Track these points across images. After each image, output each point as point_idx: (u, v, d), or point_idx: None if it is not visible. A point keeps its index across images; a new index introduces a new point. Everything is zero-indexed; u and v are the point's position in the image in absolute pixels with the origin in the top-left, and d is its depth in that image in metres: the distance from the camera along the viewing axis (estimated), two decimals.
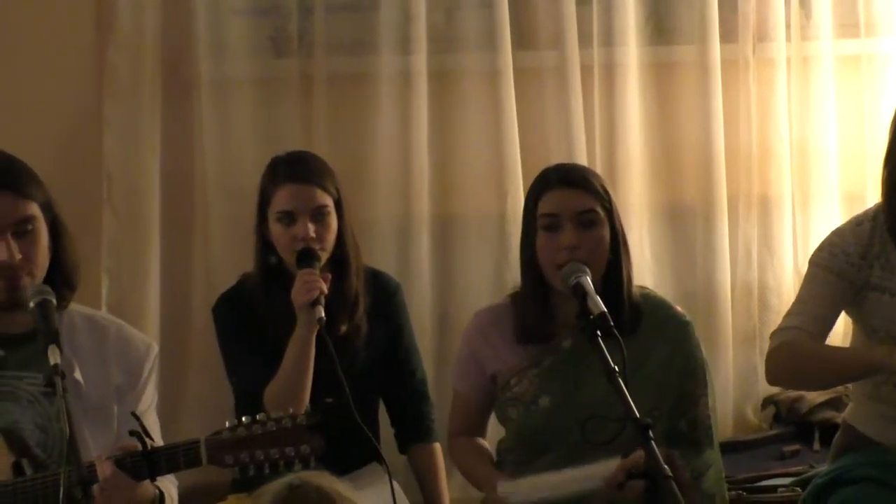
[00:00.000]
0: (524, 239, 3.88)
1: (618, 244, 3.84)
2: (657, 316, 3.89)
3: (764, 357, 5.57)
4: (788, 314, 4.16)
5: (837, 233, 4.16)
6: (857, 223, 4.12)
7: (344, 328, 4.25)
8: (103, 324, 3.72)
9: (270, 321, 4.26)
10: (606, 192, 3.86)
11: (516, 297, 3.95)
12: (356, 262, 4.33)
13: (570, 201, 3.79)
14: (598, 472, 3.54)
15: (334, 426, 3.40)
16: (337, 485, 2.54)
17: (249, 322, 4.33)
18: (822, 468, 4.32)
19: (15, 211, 3.55)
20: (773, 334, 4.16)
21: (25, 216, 3.56)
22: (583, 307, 3.57)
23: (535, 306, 3.86)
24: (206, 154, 5.36)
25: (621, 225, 3.88)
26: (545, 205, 3.81)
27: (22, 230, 3.55)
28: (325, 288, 4.12)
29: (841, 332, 4.39)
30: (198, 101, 5.37)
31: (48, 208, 3.62)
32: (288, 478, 2.71)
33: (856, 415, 4.21)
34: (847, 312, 4.14)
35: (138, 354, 3.69)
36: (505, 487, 3.67)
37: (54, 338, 3.29)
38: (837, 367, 4.08)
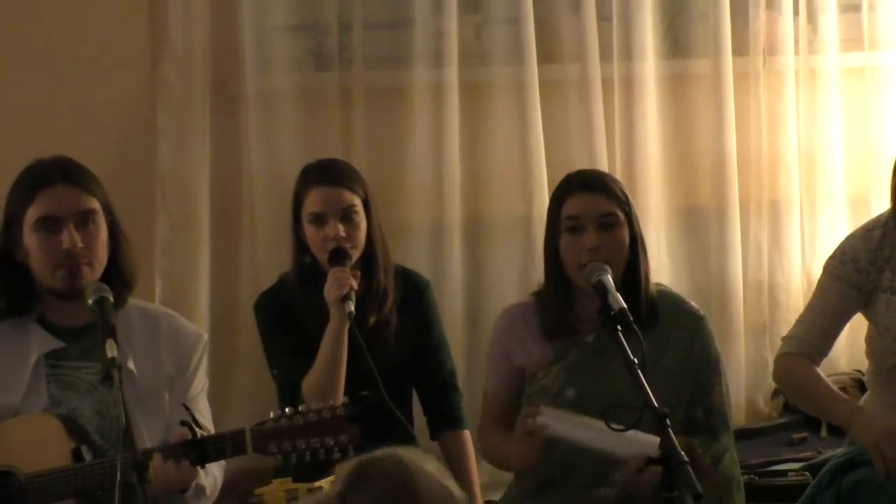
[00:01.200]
0: (547, 240, 3.87)
1: (636, 245, 3.82)
2: (673, 311, 3.88)
3: (774, 350, 5.61)
4: (799, 321, 4.16)
5: (849, 239, 4.14)
6: (868, 229, 4.10)
7: (373, 320, 4.24)
8: (156, 315, 3.72)
9: (306, 316, 4.25)
10: (625, 196, 3.85)
11: (540, 295, 3.94)
12: (384, 258, 4.32)
13: (593, 205, 3.78)
14: (644, 440, 3.47)
15: (371, 415, 3.41)
16: (412, 454, 2.50)
17: (287, 318, 4.32)
18: (830, 453, 4.30)
19: (78, 202, 3.55)
20: (784, 339, 4.17)
21: (87, 209, 3.56)
22: (604, 303, 3.56)
23: (559, 303, 3.85)
24: (252, 161, 5.37)
25: (639, 227, 3.87)
26: (569, 208, 3.80)
27: (83, 222, 3.54)
28: (354, 284, 4.12)
29: (852, 327, 4.36)
30: (244, 112, 5.38)
31: (108, 210, 3.62)
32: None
33: (870, 402, 4.19)
34: (862, 313, 4.12)
35: (188, 344, 3.69)
36: (545, 413, 3.61)
37: (112, 332, 3.29)
38: (818, 409, 4.29)
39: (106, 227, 3.60)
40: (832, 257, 4.12)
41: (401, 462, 2.38)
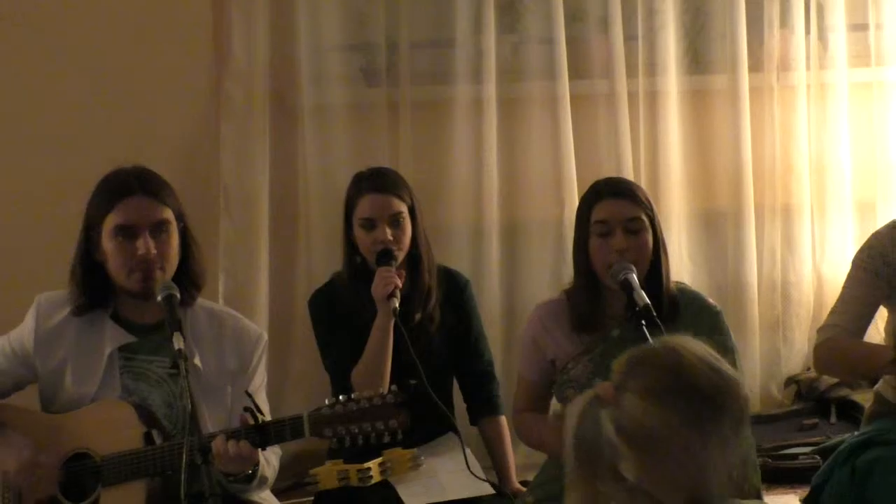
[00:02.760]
0: (577, 242, 3.86)
1: (658, 246, 3.81)
2: (692, 307, 3.86)
3: (787, 344, 5.59)
4: (832, 312, 4.12)
5: (876, 235, 4.11)
6: (893, 226, 4.08)
7: (418, 316, 4.24)
8: (221, 316, 3.71)
9: (356, 312, 4.25)
10: (649, 202, 3.84)
11: (570, 293, 3.93)
12: (429, 260, 4.32)
13: (620, 210, 3.76)
14: None
15: (416, 403, 3.41)
16: (682, 341, 2.48)
17: (338, 313, 4.32)
18: (838, 438, 4.27)
19: (153, 213, 3.54)
20: (819, 330, 4.13)
21: (161, 219, 3.55)
22: (630, 300, 3.57)
23: (588, 301, 3.84)
24: (308, 169, 5.37)
25: (661, 230, 3.86)
26: (598, 213, 3.79)
27: (157, 230, 3.53)
28: (399, 283, 4.12)
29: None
30: (300, 124, 5.38)
31: (181, 218, 3.61)
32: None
33: (886, 386, 4.16)
34: (885, 305, 4.10)
35: (250, 343, 3.68)
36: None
37: (178, 326, 3.29)
38: (869, 364, 4.06)
39: (178, 234, 3.59)
40: (861, 251, 4.09)
41: (672, 349, 2.38)
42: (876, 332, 4.60)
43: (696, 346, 2.38)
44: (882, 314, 4.11)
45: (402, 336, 4.08)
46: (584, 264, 3.83)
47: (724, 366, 2.37)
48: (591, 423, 2.33)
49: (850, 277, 4.10)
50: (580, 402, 2.38)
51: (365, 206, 4.23)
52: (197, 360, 3.55)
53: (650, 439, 2.27)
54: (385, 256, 4.17)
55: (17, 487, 3.45)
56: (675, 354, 2.35)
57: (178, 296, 3.43)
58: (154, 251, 3.50)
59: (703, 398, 2.29)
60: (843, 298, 4.10)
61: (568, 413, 2.39)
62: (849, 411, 5.32)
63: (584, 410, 2.35)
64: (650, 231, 3.78)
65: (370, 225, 4.21)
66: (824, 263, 5.64)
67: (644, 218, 3.77)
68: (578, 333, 3.85)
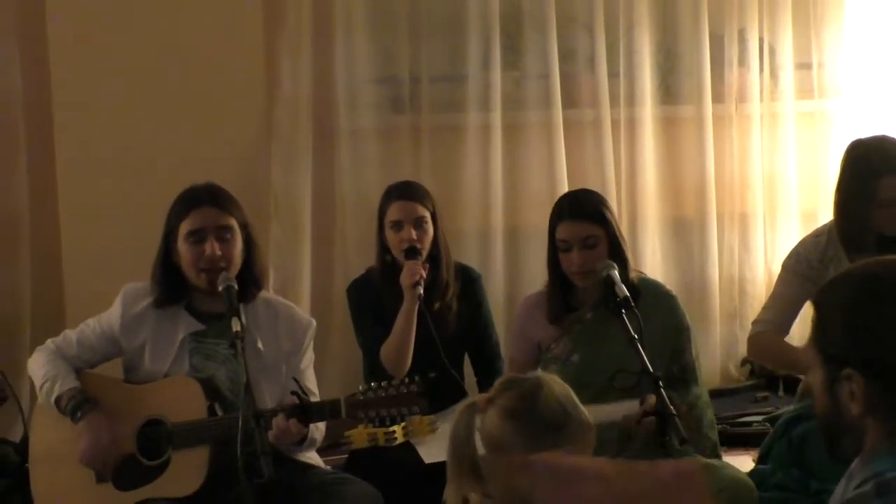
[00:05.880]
0: (549, 251, 3.82)
1: (618, 248, 3.76)
2: (652, 293, 3.81)
3: (743, 330, 5.59)
4: (765, 307, 4.14)
5: (802, 243, 4.11)
6: (816, 235, 4.08)
7: (437, 305, 4.25)
8: (276, 305, 3.71)
9: (386, 300, 4.25)
10: (604, 215, 3.75)
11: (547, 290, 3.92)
12: (447, 258, 4.32)
13: (577, 232, 3.71)
14: (621, 409, 3.50)
15: (436, 384, 3.42)
16: (551, 377, 2.47)
17: (371, 300, 4.32)
18: (787, 408, 4.28)
19: (219, 220, 3.55)
20: (754, 322, 4.15)
21: (225, 225, 3.56)
22: (611, 292, 3.54)
23: (558, 299, 3.83)
24: (344, 182, 5.38)
25: (619, 233, 3.76)
26: (560, 232, 3.75)
27: (222, 235, 3.54)
28: (423, 274, 4.14)
29: (804, 314, 4.34)
30: (338, 145, 5.39)
31: (244, 227, 3.62)
32: None
33: None
34: (810, 301, 4.08)
35: (301, 329, 3.68)
36: None
37: (236, 312, 3.31)
38: (791, 365, 4.21)
39: (242, 240, 3.60)
40: (789, 257, 4.09)
41: (537, 383, 2.37)
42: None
43: (558, 387, 2.38)
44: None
45: (424, 318, 4.10)
46: (555, 269, 3.82)
47: (579, 411, 2.37)
48: (465, 425, 2.35)
49: (780, 279, 4.11)
50: (462, 405, 2.39)
51: (394, 211, 4.25)
52: (259, 344, 3.57)
53: (497, 449, 2.29)
54: (412, 252, 4.18)
55: (104, 449, 3.47)
56: (537, 387, 2.36)
57: (236, 287, 3.44)
58: (219, 252, 3.52)
59: (546, 427, 2.29)
60: (773, 296, 4.11)
61: (455, 414, 2.39)
62: (793, 387, 5.29)
63: (462, 413, 2.36)
64: (605, 241, 3.73)
65: (398, 226, 4.23)
66: (774, 263, 5.62)
67: (599, 232, 3.72)
68: (553, 324, 3.84)
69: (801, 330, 4.93)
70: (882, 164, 3.85)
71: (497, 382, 2.43)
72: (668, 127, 5.66)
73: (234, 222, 3.58)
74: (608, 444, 3.39)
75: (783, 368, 5.10)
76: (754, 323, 4.13)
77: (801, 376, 4.26)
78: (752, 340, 4.12)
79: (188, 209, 3.57)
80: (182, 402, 3.46)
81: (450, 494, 2.34)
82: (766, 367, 5.45)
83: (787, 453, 3.85)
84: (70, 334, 3.68)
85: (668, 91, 5.69)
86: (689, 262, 5.68)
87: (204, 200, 3.57)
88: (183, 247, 3.56)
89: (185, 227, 3.56)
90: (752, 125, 5.68)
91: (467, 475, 2.30)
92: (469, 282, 4.41)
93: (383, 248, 4.30)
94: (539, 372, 2.59)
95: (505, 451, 2.27)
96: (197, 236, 3.53)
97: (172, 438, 3.43)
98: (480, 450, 2.31)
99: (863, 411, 1.99)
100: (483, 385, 4.41)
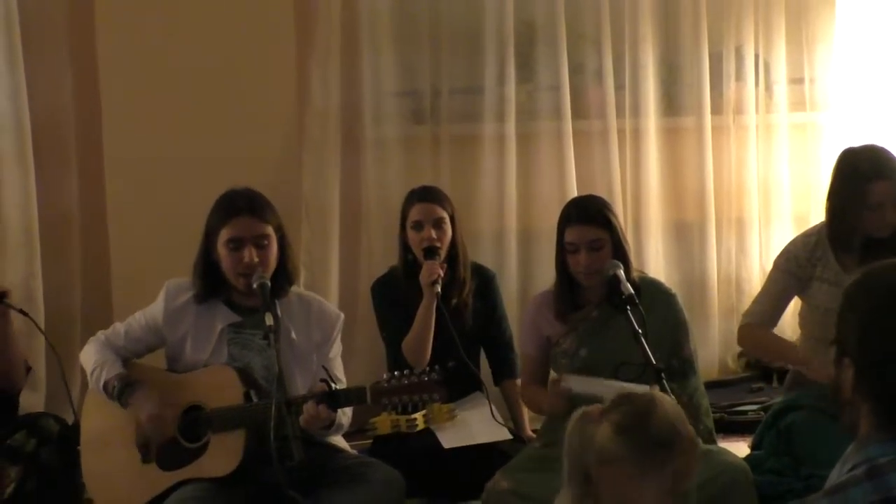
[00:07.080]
0: (557, 252, 3.81)
1: (622, 249, 3.75)
2: (652, 291, 3.79)
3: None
4: (754, 301, 4.16)
5: (793, 242, 4.13)
6: (806, 236, 4.09)
7: (455, 301, 4.25)
8: (308, 300, 3.73)
9: (407, 296, 4.27)
10: (609, 218, 3.74)
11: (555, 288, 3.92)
12: (464, 257, 4.33)
13: (584, 235, 3.70)
14: (635, 388, 3.49)
15: (453, 375, 3.44)
16: (662, 395, 2.41)
17: (394, 297, 4.34)
18: (778, 398, 4.30)
19: (256, 229, 3.57)
20: (744, 314, 4.16)
21: (262, 233, 3.57)
22: (617, 290, 3.56)
23: (566, 296, 3.82)
24: (369, 188, 5.37)
25: (623, 236, 3.76)
26: (568, 235, 3.73)
27: (259, 243, 3.56)
28: (441, 273, 4.15)
29: (792, 308, 4.36)
30: (364, 153, 5.38)
31: (279, 230, 3.63)
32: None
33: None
34: (798, 296, 4.11)
35: (331, 321, 3.70)
36: (568, 379, 3.60)
37: (269, 307, 3.35)
38: (777, 356, 4.38)
39: (277, 244, 3.61)
40: (780, 255, 4.11)
41: (651, 400, 2.35)
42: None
43: (669, 406, 2.35)
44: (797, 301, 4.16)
45: (443, 314, 4.11)
46: (562, 269, 3.82)
47: (686, 428, 2.34)
48: (579, 433, 2.33)
49: (771, 275, 4.12)
50: (577, 415, 2.37)
51: (415, 212, 4.26)
52: (293, 335, 3.59)
53: (607, 461, 2.28)
54: (431, 252, 4.20)
55: (148, 430, 3.51)
56: (650, 404, 2.33)
57: (269, 283, 3.47)
58: (256, 260, 3.54)
59: (656, 445, 2.27)
60: (763, 291, 4.13)
61: (570, 421, 2.38)
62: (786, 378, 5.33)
63: (576, 423, 2.35)
64: (610, 244, 3.73)
65: (419, 227, 4.24)
66: (769, 264, 5.50)
67: (605, 236, 3.72)
68: (560, 320, 3.84)
69: (791, 323, 5.04)
70: (872, 170, 3.87)
71: (613, 397, 2.40)
72: (670, 137, 5.66)
73: (270, 230, 3.59)
74: None
75: (769, 358, 5.15)
76: (744, 315, 4.15)
77: (790, 367, 4.27)
78: (742, 331, 4.15)
79: (228, 216, 3.58)
80: (220, 389, 3.48)
81: (562, 499, 2.35)
82: (761, 360, 5.47)
83: (776, 442, 3.88)
84: (118, 326, 3.71)
85: (671, 103, 5.70)
86: (690, 263, 5.69)
87: (242, 209, 3.58)
88: (223, 251, 3.58)
89: (224, 235, 3.57)
90: (748, 135, 5.69)
91: (580, 483, 2.31)
92: (485, 280, 4.42)
93: (405, 247, 4.32)
94: (653, 391, 2.58)
95: (615, 463, 2.27)
96: (236, 244, 3.55)
97: (211, 423, 3.46)
98: (591, 461, 2.31)
99: (855, 397, 2.04)
100: (497, 376, 4.44)
